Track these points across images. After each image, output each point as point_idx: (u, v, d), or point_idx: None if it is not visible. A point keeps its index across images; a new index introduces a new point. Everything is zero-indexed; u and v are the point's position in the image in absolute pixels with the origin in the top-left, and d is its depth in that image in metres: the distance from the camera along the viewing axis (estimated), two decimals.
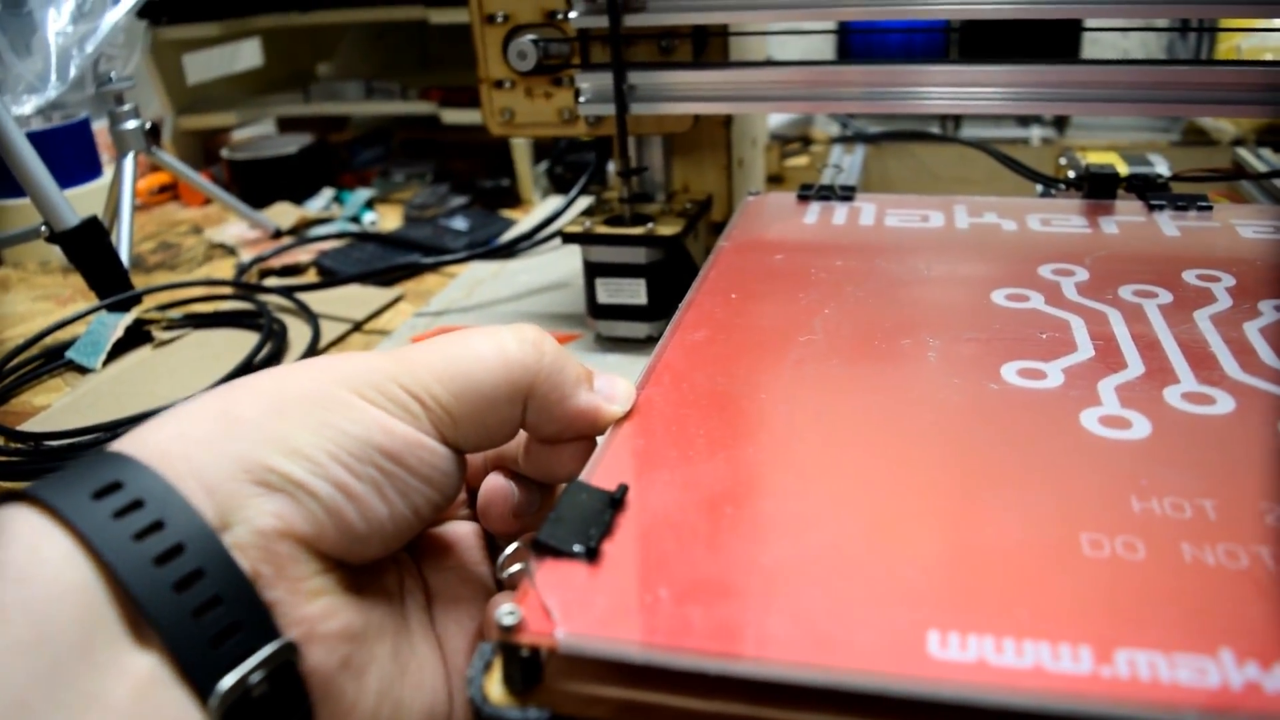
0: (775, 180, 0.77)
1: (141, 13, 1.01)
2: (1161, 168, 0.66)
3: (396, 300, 0.71)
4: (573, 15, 0.53)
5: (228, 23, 1.03)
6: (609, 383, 0.30)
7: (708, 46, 0.57)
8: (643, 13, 0.53)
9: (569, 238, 0.56)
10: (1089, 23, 0.94)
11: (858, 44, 1.03)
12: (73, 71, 0.87)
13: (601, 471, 0.27)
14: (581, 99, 0.55)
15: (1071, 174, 0.61)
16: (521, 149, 0.91)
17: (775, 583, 0.22)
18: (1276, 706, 0.18)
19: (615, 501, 0.25)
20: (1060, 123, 1.03)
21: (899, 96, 0.51)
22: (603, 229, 0.55)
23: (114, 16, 0.88)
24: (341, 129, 1.23)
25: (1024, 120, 1.02)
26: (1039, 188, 0.62)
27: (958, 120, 1.02)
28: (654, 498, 0.26)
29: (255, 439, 0.24)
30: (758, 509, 0.25)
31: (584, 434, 0.29)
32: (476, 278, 0.72)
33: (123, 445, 0.23)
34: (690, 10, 0.52)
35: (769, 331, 0.35)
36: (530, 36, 0.55)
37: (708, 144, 0.60)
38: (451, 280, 0.73)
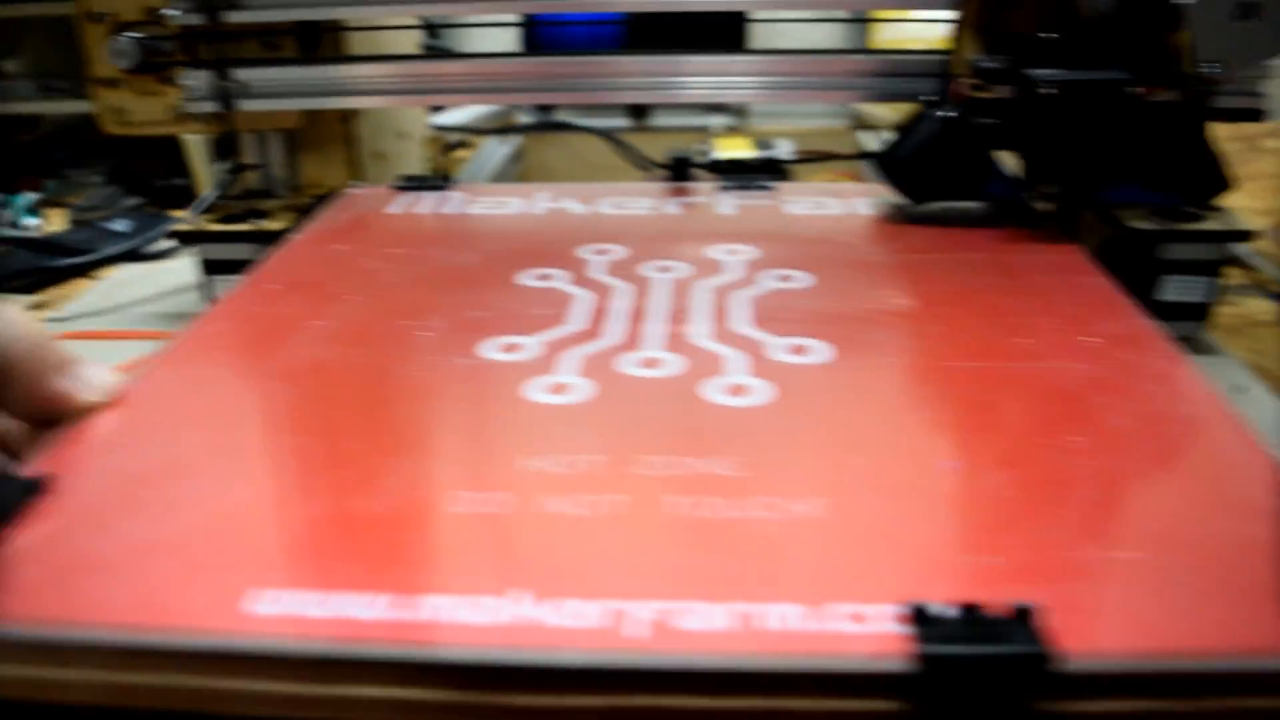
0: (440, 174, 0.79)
1: None
2: (783, 152, 0.71)
3: (36, 308, 0.68)
4: (171, 12, 0.53)
5: None
6: (93, 372, 0.31)
7: (321, 42, 0.58)
8: (243, 10, 0.53)
9: (180, 236, 0.55)
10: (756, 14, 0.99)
11: (545, 36, 1.06)
12: None
13: (44, 457, 0.27)
14: (187, 97, 0.55)
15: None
16: (195, 147, 0.89)
17: (145, 557, 0.23)
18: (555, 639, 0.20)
19: (29, 487, 0.26)
20: (741, 110, 1.08)
21: (504, 90, 0.54)
22: (213, 227, 0.55)
23: None
24: (34, 129, 1.17)
25: (710, 108, 1.07)
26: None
27: (647, 107, 1.06)
28: (82, 484, 0.26)
29: None
30: (168, 489, 0.26)
31: (55, 418, 0.30)
32: (123, 280, 0.70)
33: None
34: (292, 6, 0.53)
35: (284, 320, 0.36)
36: (131, 34, 0.55)
37: (329, 139, 0.61)
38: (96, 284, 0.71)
